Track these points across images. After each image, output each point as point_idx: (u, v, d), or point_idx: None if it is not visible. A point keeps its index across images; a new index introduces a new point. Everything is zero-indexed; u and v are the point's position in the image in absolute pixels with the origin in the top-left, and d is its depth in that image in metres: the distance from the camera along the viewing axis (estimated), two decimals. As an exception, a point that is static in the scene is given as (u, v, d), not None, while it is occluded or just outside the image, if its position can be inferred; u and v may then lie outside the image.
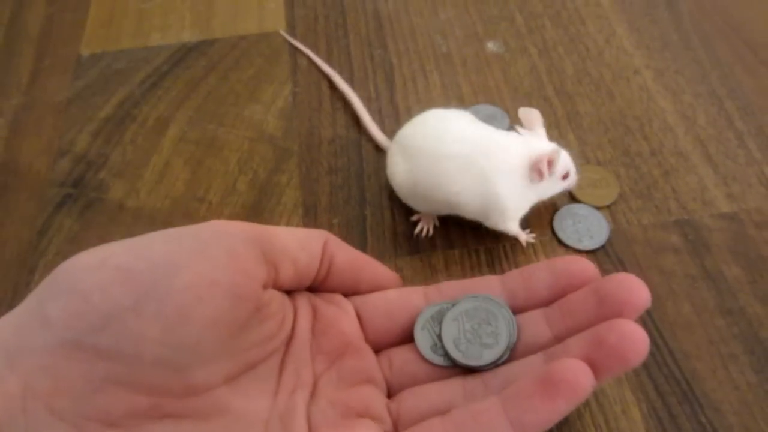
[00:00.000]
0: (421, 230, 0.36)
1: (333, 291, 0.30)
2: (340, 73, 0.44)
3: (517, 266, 0.35)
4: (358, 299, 0.30)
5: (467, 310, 0.28)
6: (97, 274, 0.23)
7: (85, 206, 0.39)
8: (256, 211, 0.38)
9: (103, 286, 0.23)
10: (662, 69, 0.44)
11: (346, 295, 0.30)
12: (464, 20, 0.48)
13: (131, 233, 0.37)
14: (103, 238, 0.37)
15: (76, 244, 0.37)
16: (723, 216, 0.37)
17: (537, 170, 0.33)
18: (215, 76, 0.45)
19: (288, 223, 0.37)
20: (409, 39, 0.47)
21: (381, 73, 0.45)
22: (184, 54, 0.47)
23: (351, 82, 0.44)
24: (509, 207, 0.33)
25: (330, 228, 0.37)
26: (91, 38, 0.48)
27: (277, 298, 0.27)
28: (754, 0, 0.48)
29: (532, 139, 0.34)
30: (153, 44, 0.47)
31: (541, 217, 0.37)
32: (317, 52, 0.46)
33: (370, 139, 0.41)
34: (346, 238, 0.36)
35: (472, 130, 0.34)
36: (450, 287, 0.30)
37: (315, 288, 0.30)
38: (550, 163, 0.33)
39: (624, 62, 0.45)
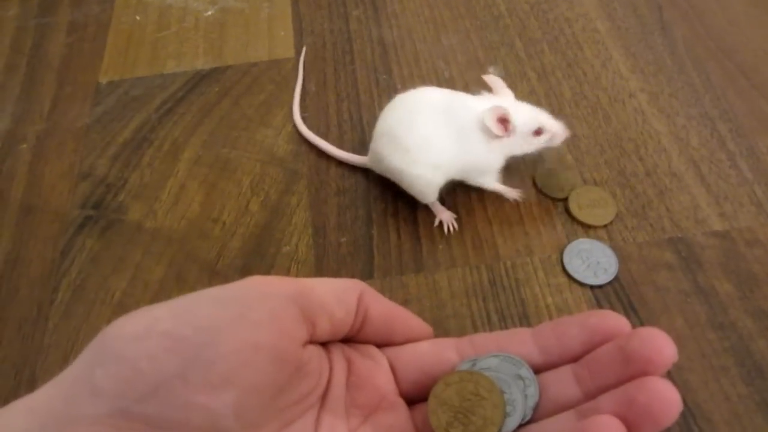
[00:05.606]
0: (447, 228, 0.39)
1: (366, 342, 0.30)
2: (347, 97, 0.46)
3: (516, 282, 0.37)
4: (391, 351, 0.30)
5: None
6: (145, 341, 0.23)
7: (105, 227, 0.41)
8: (268, 231, 0.40)
9: (151, 354, 0.23)
10: (657, 92, 0.46)
11: (379, 346, 0.30)
12: (466, 46, 0.50)
13: (149, 252, 0.39)
14: (122, 258, 0.39)
15: (97, 263, 0.39)
16: (715, 234, 0.38)
17: (496, 125, 0.36)
18: (228, 101, 0.47)
19: (298, 242, 0.39)
20: (413, 65, 0.49)
21: (386, 97, 0.47)
22: (198, 81, 0.49)
23: (357, 105, 0.46)
24: (480, 162, 0.38)
25: (338, 246, 0.39)
26: (109, 66, 0.50)
27: (315, 354, 0.27)
28: (745, 25, 0.50)
29: (498, 100, 0.38)
30: (168, 71, 0.50)
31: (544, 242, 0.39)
32: (325, 77, 0.48)
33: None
34: (354, 256, 0.38)
35: (442, 97, 0.38)
36: (482, 340, 0.30)
37: (349, 339, 0.30)
38: (503, 120, 0.36)
39: (620, 86, 0.46)
